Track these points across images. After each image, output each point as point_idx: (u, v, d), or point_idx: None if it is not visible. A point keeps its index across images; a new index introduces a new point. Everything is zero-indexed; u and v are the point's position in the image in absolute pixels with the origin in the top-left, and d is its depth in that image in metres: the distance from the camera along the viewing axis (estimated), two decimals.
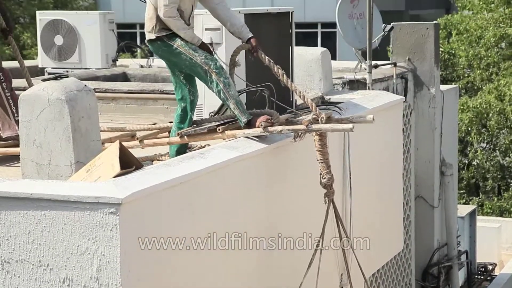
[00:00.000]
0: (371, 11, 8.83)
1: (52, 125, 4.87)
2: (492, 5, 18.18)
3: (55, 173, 4.90)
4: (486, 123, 16.79)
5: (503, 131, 16.97)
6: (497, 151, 17.28)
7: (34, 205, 4.14)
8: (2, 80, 5.97)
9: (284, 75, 5.67)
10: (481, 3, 18.37)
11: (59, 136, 4.86)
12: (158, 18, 5.52)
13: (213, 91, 5.56)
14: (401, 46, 9.74)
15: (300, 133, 5.50)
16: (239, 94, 5.97)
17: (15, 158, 5.55)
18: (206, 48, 5.61)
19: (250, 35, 5.70)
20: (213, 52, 5.74)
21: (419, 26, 9.74)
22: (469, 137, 16.80)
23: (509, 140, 16.87)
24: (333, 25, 19.25)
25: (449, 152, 10.35)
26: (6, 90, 5.94)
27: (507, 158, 17.38)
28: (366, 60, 8.81)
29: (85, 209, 4.06)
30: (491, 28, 17.09)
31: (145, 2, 5.69)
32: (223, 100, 5.56)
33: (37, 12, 10.87)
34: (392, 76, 9.29)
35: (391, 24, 9.75)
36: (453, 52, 17.95)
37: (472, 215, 12.88)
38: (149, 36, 5.58)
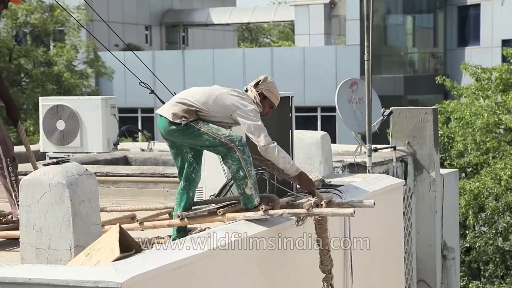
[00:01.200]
0: (370, 96, 8.93)
1: (52, 210, 4.86)
2: (489, 92, 18.37)
3: (55, 257, 4.86)
4: (484, 207, 16.77)
5: (503, 215, 16.92)
6: (498, 235, 17.20)
7: None
8: (10, 165, 6.02)
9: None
10: (477, 90, 18.57)
11: (59, 220, 4.85)
12: (196, 114, 5.50)
13: (230, 168, 5.48)
14: (400, 130, 9.81)
15: (302, 217, 5.48)
16: None
17: (15, 243, 5.52)
18: (307, 180, 5.63)
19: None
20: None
21: (418, 111, 9.83)
22: (468, 220, 16.75)
23: (509, 224, 16.80)
24: (332, 109, 19.48)
25: (450, 235, 10.29)
26: (12, 175, 5.99)
27: (507, 243, 17.28)
28: (366, 143, 8.86)
29: None
30: (485, 114, 17.24)
31: (150, 90, 5.72)
32: (239, 178, 5.45)
33: (40, 98, 10.97)
34: (392, 159, 9.33)
35: (390, 108, 9.85)
36: (452, 136, 18.06)
37: None
38: (174, 118, 5.50)
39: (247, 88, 5.79)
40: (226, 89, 5.69)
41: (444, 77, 20.00)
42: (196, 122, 5.52)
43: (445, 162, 17.04)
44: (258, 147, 5.53)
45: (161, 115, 5.59)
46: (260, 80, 5.75)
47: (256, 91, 5.72)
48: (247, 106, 5.56)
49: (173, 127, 5.53)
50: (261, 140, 5.49)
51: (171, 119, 5.53)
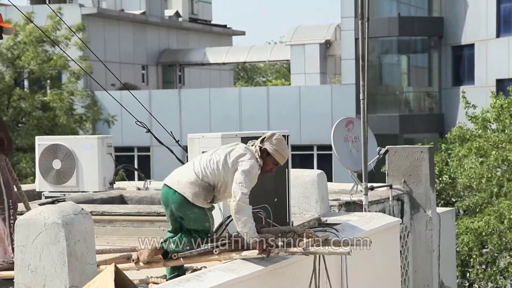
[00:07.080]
0: (366, 135, 8.95)
1: (47, 249, 4.83)
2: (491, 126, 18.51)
3: None
4: (486, 245, 16.73)
5: (504, 253, 16.87)
6: (498, 273, 17.13)
7: None
8: (11, 207, 6.00)
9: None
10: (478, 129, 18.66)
11: (54, 260, 4.82)
12: (205, 189, 5.51)
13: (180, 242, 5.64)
14: (396, 169, 9.82)
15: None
16: None
17: (11, 283, 5.48)
18: (260, 247, 5.49)
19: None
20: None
21: (413, 150, 9.85)
22: (470, 258, 16.69)
23: (509, 262, 16.75)
24: (328, 147, 19.53)
25: (447, 274, 10.24)
26: (11, 217, 5.96)
27: (509, 281, 17.20)
28: (362, 182, 8.86)
29: None
30: (493, 152, 17.25)
31: (146, 129, 5.71)
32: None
33: (36, 137, 10.97)
34: (388, 198, 9.32)
35: (386, 147, 9.86)
36: (454, 176, 18.04)
37: None
38: (195, 200, 5.49)
39: (254, 142, 5.75)
40: (228, 150, 5.64)
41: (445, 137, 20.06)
42: (199, 207, 5.54)
43: (455, 205, 17.04)
44: (232, 201, 5.43)
45: (175, 191, 5.54)
46: (265, 137, 5.72)
47: (259, 146, 5.67)
48: (243, 162, 5.51)
49: (180, 197, 5.51)
50: (237, 196, 5.39)
51: (191, 200, 5.49)
